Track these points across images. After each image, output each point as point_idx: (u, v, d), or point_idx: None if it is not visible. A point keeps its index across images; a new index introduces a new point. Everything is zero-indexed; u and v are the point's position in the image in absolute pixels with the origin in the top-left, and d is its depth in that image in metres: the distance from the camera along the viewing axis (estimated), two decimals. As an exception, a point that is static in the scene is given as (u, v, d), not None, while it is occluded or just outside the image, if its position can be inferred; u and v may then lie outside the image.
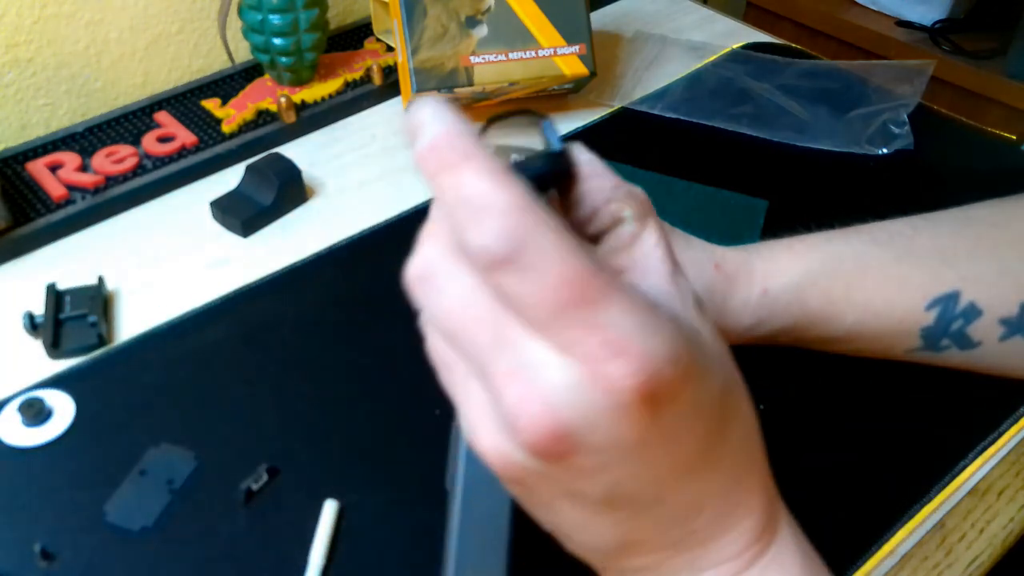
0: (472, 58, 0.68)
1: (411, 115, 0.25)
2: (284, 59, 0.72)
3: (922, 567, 0.47)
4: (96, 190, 0.65)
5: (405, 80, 0.68)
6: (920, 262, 0.47)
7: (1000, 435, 0.52)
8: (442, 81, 0.67)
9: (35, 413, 0.50)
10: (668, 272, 0.28)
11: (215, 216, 0.65)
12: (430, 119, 0.25)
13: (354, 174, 0.70)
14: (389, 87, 0.78)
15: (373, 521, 0.47)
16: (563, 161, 0.29)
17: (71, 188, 0.65)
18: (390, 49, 0.81)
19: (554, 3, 0.69)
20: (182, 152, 0.69)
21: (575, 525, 0.29)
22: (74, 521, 0.46)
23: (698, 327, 0.27)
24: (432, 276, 0.26)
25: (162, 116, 0.72)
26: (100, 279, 0.59)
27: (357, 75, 0.78)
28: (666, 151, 0.72)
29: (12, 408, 0.51)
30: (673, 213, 0.66)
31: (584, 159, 0.29)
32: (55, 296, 0.57)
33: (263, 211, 0.65)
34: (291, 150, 0.71)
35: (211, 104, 0.74)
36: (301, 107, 0.74)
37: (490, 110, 0.74)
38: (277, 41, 0.71)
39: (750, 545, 0.30)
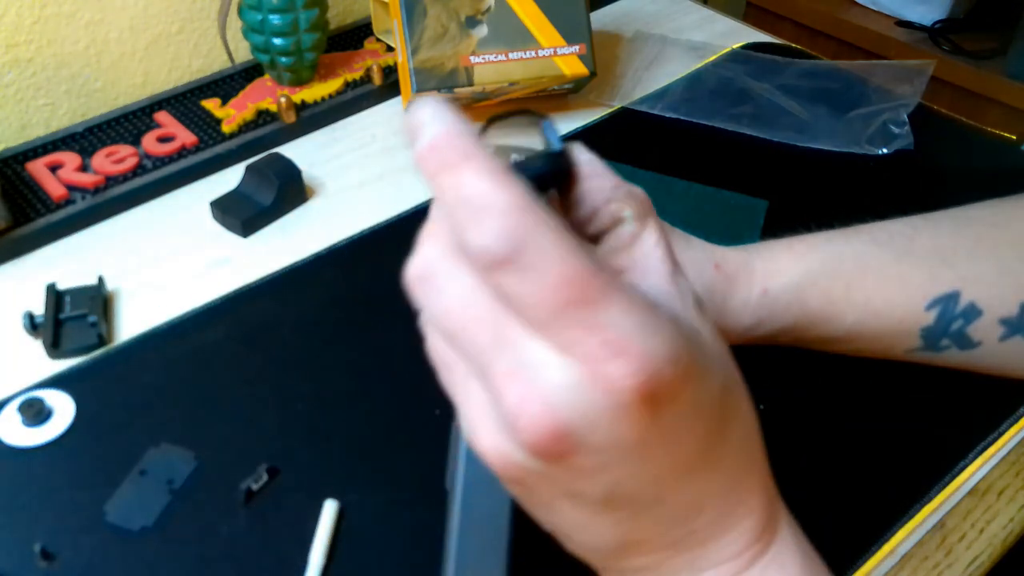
0: (472, 58, 0.68)
1: (411, 115, 0.25)
2: (284, 59, 0.72)
3: (922, 567, 0.47)
4: (96, 190, 0.65)
5: (405, 80, 0.68)
6: (920, 262, 0.47)
7: (1000, 435, 0.52)
8: (442, 81, 0.67)
9: (35, 413, 0.50)
10: (668, 272, 0.28)
11: (215, 216, 0.65)
12: (430, 119, 0.25)
13: (354, 174, 0.70)
14: (389, 87, 0.78)
15: (373, 521, 0.47)
16: (563, 161, 0.29)
17: (71, 188, 0.65)
18: (390, 49, 0.81)
19: (554, 3, 0.69)
20: (182, 152, 0.69)
21: (575, 525, 0.29)
22: (74, 521, 0.46)
23: (698, 327, 0.27)
24: (432, 276, 0.26)
25: (162, 116, 0.72)
26: (100, 279, 0.59)
27: (357, 75, 0.78)
28: (666, 151, 0.73)
29: (12, 408, 0.51)
30: (673, 213, 0.66)
31: (584, 159, 0.29)
32: (55, 296, 0.57)
33: (263, 211, 0.65)
34: (291, 150, 0.71)
35: (211, 104, 0.74)
36: (301, 107, 0.74)
37: (490, 110, 0.74)
38: (277, 41, 0.71)
39: (750, 545, 0.30)
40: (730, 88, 0.78)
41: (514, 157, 0.28)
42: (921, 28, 1.35)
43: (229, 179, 0.68)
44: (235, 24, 0.75)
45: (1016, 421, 0.52)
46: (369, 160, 0.72)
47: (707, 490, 0.28)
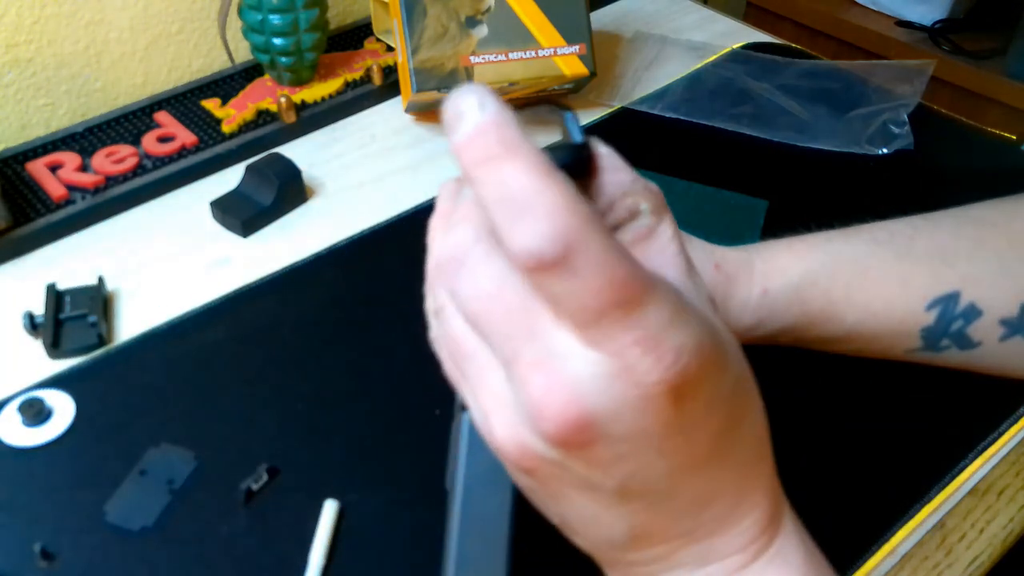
0: (472, 58, 0.68)
1: (453, 102, 0.24)
2: (284, 59, 0.72)
3: (922, 567, 0.47)
4: (96, 190, 0.65)
5: (405, 80, 0.68)
6: (920, 262, 0.47)
7: (1000, 435, 0.52)
8: (442, 81, 0.67)
9: (35, 413, 0.50)
10: (684, 266, 0.29)
11: (215, 216, 0.65)
12: (474, 106, 0.23)
13: (354, 174, 0.70)
14: (389, 87, 0.78)
15: (373, 521, 0.47)
16: (585, 153, 0.29)
17: (71, 188, 0.65)
18: (390, 49, 0.81)
19: (554, 3, 0.69)
20: (182, 152, 0.69)
21: (586, 517, 0.29)
22: (74, 521, 0.46)
23: (714, 320, 0.27)
24: (464, 259, 0.25)
25: (162, 116, 0.72)
26: (100, 279, 0.59)
27: (357, 75, 0.78)
28: (666, 151, 0.73)
29: (12, 408, 0.51)
30: (673, 213, 0.65)
31: (603, 152, 0.29)
32: (55, 296, 0.57)
33: (263, 211, 0.65)
34: (291, 150, 0.71)
35: (211, 104, 0.74)
36: (301, 107, 0.74)
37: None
38: (277, 41, 0.71)
39: (756, 538, 0.30)
40: (730, 88, 0.78)
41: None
42: (921, 28, 1.35)
43: (229, 179, 0.68)
44: (235, 24, 0.75)
45: (1016, 421, 0.52)
46: (369, 160, 0.72)
47: (718, 482, 0.28)
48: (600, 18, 0.89)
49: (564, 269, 0.22)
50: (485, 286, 0.25)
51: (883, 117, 0.74)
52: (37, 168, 0.66)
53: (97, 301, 0.57)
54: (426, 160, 0.72)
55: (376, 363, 0.55)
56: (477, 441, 0.29)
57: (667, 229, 0.29)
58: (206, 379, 0.54)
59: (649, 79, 0.80)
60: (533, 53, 0.69)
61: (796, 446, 0.49)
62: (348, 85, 0.77)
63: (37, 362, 0.54)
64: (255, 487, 0.47)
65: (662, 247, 0.28)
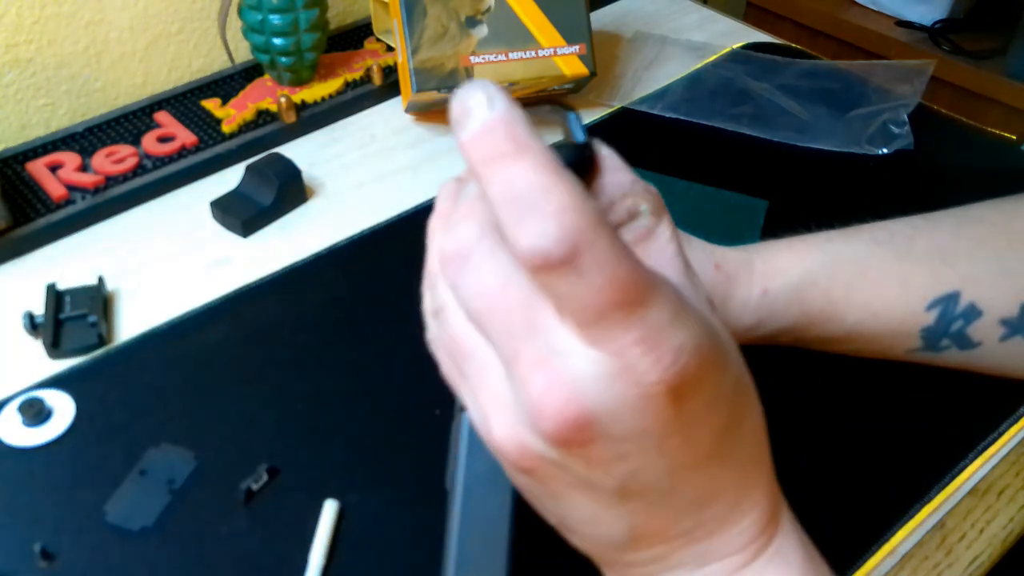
0: (472, 58, 0.68)
1: (461, 97, 0.24)
2: (284, 59, 0.72)
3: (922, 567, 0.47)
4: (96, 190, 0.65)
5: (405, 80, 0.68)
6: (920, 262, 0.47)
7: (1000, 435, 0.52)
8: (442, 81, 0.67)
9: (35, 413, 0.50)
10: (682, 267, 0.29)
11: (215, 216, 0.65)
12: (484, 103, 0.23)
13: (354, 174, 0.70)
14: (389, 87, 0.78)
15: (373, 521, 0.47)
16: (588, 153, 0.29)
17: (71, 188, 0.65)
18: (390, 49, 0.81)
19: (554, 3, 0.69)
20: (182, 152, 0.69)
21: (585, 517, 0.29)
22: (74, 521, 0.46)
23: (713, 320, 0.28)
24: (469, 255, 0.25)
25: (162, 116, 0.72)
26: (100, 279, 0.59)
27: (357, 75, 0.78)
28: (666, 151, 0.73)
29: (12, 408, 0.51)
30: (673, 213, 0.65)
31: (604, 153, 0.29)
32: (55, 296, 0.57)
33: (263, 211, 0.65)
34: (291, 150, 0.71)
35: (211, 104, 0.74)
36: (301, 107, 0.74)
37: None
38: (277, 41, 0.71)
39: (756, 538, 0.30)
40: (730, 88, 0.78)
41: None
42: (921, 28, 1.35)
43: (229, 179, 0.68)
44: (235, 24, 0.75)
45: (1016, 421, 0.52)
46: (369, 160, 0.72)
47: (717, 482, 0.28)
48: (600, 18, 0.89)
49: (570, 269, 0.22)
50: (489, 282, 0.25)
51: (883, 117, 0.74)
52: (37, 168, 0.66)
53: (97, 301, 0.57)
54: (426, 160, 0.72)
55: (376, 363, 0.55)
56: (477, 441, 0.29)
57: (666, 230, 0.29)
58: (206, 379, 0.54)
59: (649, 79, 0.80)
60: (533, 53, 0.69)
61: (796, 446, 0.49)
62: (348, 85, 0.77)
63: (37, 362, 0.54)
64: (255, 487, 0.47)
65: (661, 248, 0.29)
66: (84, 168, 0.67)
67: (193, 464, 0.49)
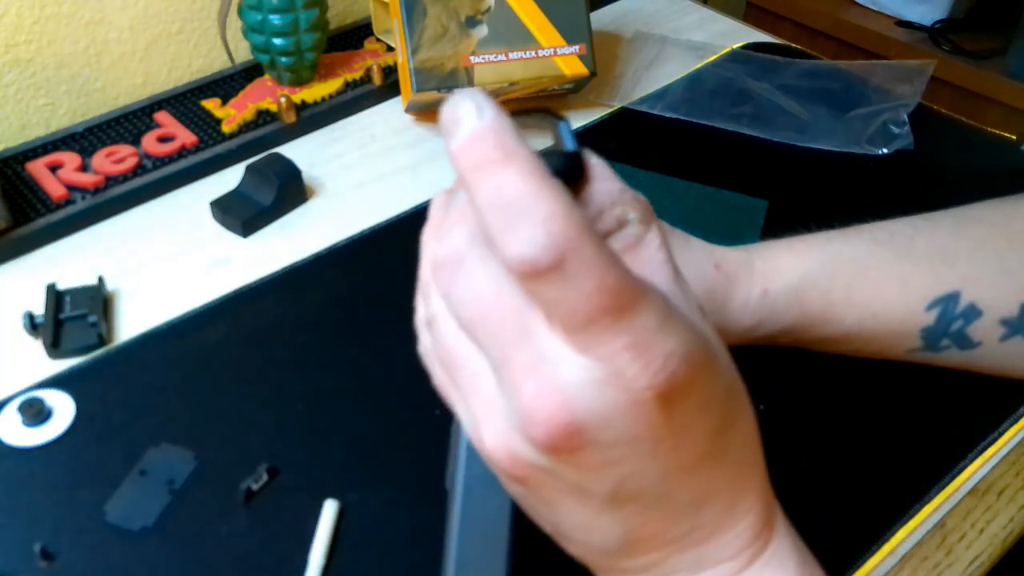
0: (472, 58, 0.68)
1: (451, 106, 0.24)
2: (284, 59, 0.72)
3: (922, 567, 0.47)
4: (96, 190, 0.65)
5: (405, 80, 0.68)
6: (920, 262, 0.47)
7: (1000, 435, 0.52)
8: (442, 81, 0.67)
9: (35, 413, 0.50)
10: (672, 274, 0.29)
11: (215, 216, 0.65)
12: (473, 112, 0.24)
13: (354, 174, 0.70)
14: (389, 87, 0.78)
15: (373, 521, 0.47)
16: (578, 161, 0.29)
17: (71, 188, 0.65)
18: (390, 49, 0.81)
19: (554, 3, 0.69)
20: (182, 152, 0.69)
21: (578, 524, 0.29)
22: (74, 521, 0.46)
23: (703, 327, 0.28)
24: (460, 263, 0.26)
25: (162, 116, 0.72)
26: (100, 279, 0.59)
27: (357, 75, 0.78)
28: (666, 151, 0.72)
29: (12, 408, 0.51)
30: (673, 213, 0.66)
31: (593, 162, 0.29)
32: (55, 296, 0.57)
33: (263, 211, 0.65)
34: (291, 150, 0.71)
35: (211, 104, 0.74)
36: (301, 107, 0.74)
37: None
38: (277, 41, 0.71)
39: (751, 543, 0.30)
40: (730, 88, 0.78)
41: None
42: (921, 28, 1.35)
43: (229, 179, 0.68)
44: (235, 24, 0.75)
45: (1016, 421, 0.52)
46: (369, 160, 0.72)
47: (711, 486, 0.28)
48: (600, 18, 0.89)
49: (557, 276, 0.23)
50: (480, 289, 0.25)
51: (883, 117, 0.74)
52: (37, 168, 0.66)
53: (97, 301, 0.57)
54: (426, 160, 0.72)
55: (376, 363, 0.55)
56: (477, 441, 0.29)
57: (655, 238, 0.29)
58: (206, 379, 0.54)
59: (649, 79, 0.80)
60: (533, 53, 0.69)
61: (796, 446, 0.49)
62: (348, 85, 0.77)
63: (37, 362, 0.54)
64: (255, 487, 0.47)
65: (650, 255, 0.29)
66: (84, 168, 0.67)
67: (193, 464, 0.49)
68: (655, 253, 0.29)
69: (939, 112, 0.78)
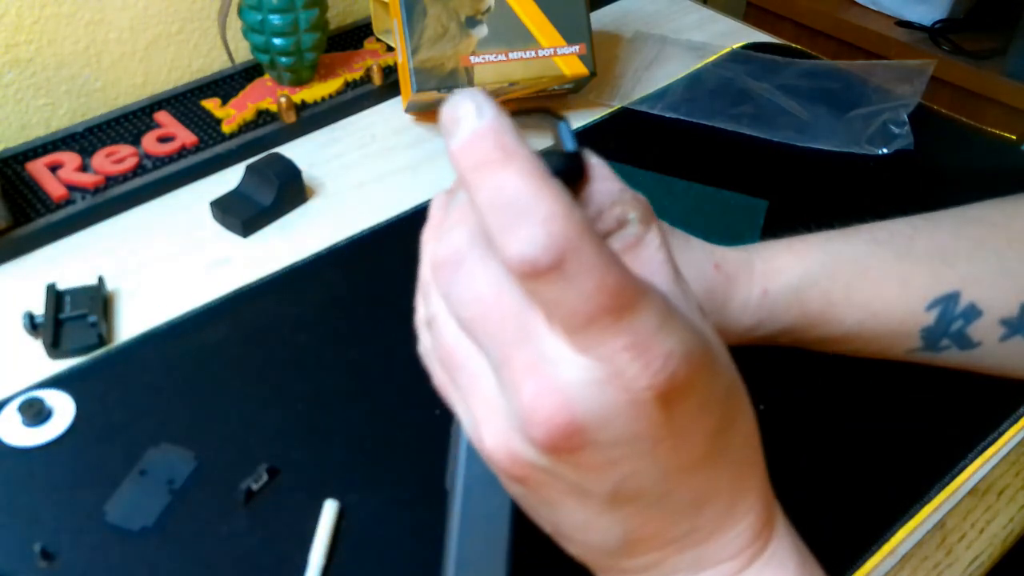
0: (472, 58, 0.68)
1: (451, 106, 0.24)
2: (284, 59, 0.72)
3: (922, 567, 0.47)
4: (96, 190, 0.65)
5: (405, 80, 0.68)
6: (920, 262, 0.47)
7: (1000, 435, 0.52)
8: (442, 81, 0.67)
9: (35, 413, 0.50)
10: (671, 274, 0.29)
11: (215, 216, 0.65)
12: (472, 112, 0.24)
13: (354, 174, 0.70)
14: (389, 87, 0.78)
15: (373, 521, 0.47)
16: (578, 161, 0.29)
17: (71, 188, 0.65)
18: (390, 49, 0.81)
19: (554, 3, 0.69)
20: (182, 152, 0.69)
21: (578, 524, 0.29)
22: (74, 521, 0.46)
23: (702, 327, 0.28)
24: (461, 262, 0.26)
25: (162, 116, 0.72)
26: (100, 279, 0.59)
27: (357, 75, 0.78)
28: (666, 151, 0.72)
29: (12, 408, 0.51)
30: (673, 213, 0.66)
31: (593, 162, 0.29)
32: (55, 296, 0.57)
33: (263, 211, 0.65)
34: (291, 150, 0.71)
35: (211, 104, 0.74)
36: (301, 107, 0.74)
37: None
38: (277, 41, 0.71)
39: (751, 543, 0.30)
40: (730, 88, 0.78)
41: None
42: (921, 28, 1.35)
43: (229, 179, 0.68)
44: (235, 24, 0.75)
45: (1016, 421, 0.52)
46: (369, 160, 0.72)
47: (711, 486, 0.28)
48: (600, 18, 0.89)
49: (557, 275, 0.23)
50: (480, 289, 0.25)
51: (883, 117, 0.74)
52: (37, 168, 0.66)
53: (97, 301, 0.57)
54: (426, 160, 0.72)
55: (376, 363, 0.55)
56: (477, 441, 0.29)
57: (654, 238, 0.29)
58: (206, 379, 0.54)
59: (649, 79, 0.80)
60: (533, 53, 0.69)
61: (796, 446, 0.49)
62: (348, 85, 0.77)
63: (37, 362, 0.54)
64: (255, 487, 0.47)
65: (650, 255, 0.29)
66: (84, 168, 0.67)
67: (193, 464, 0.49)
68: (655, 253, 0.29)
69: (939, 112, 0.78)
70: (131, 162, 0.67)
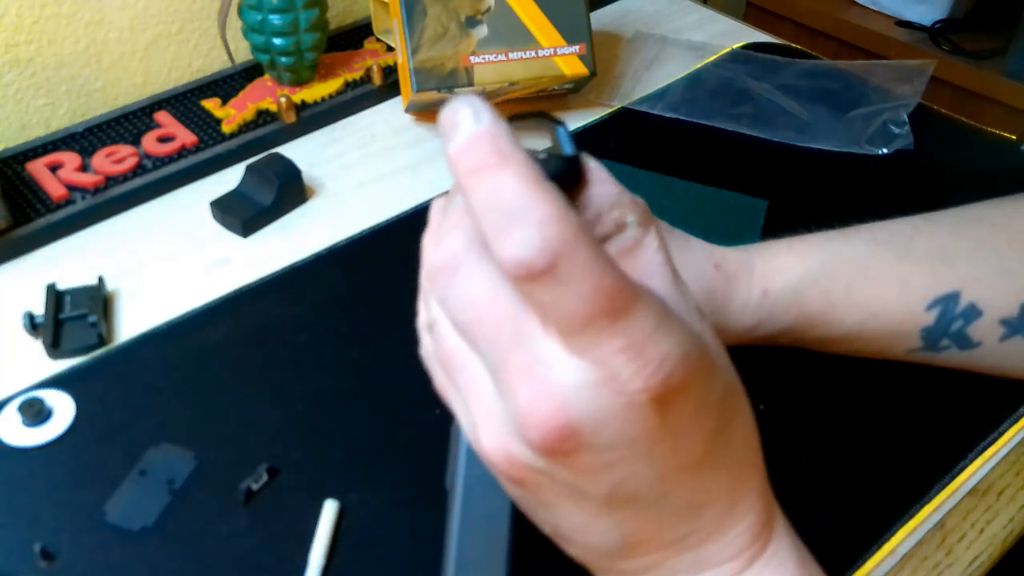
0: (472, 58, 0.68)
1: (449, 111, 0.24)
2: (284, 59, 0.72)
3: (922, 567, 0.47)
4: (96, 190, 0.65)
5: (405, 80, 0.68)
6: (920, 262, 0.47)
7: (1000, 435, 0.52)
8: (442, 81, 0.67)
9: (35, 413, 0.50)
10: (670, 276, 0.29)
11: (215, 216, 0.65)
12: (470, 117, 0.24)
13: (354, 174, 0.70)
14: (389, 87, 0.78)
15: (373, 521, 0.47)
16: (577, 165, 0.29)
17: (71, 188, 0.65)
18: (390, 49, 0.81)
19: (554, 3, 0.69)
20: (182, 152, 0.69)
21: (577, 526, 0.29)
22: (74, 521, 0.46)
23: (700, 329, 0.28)
24: (457, 267, 0.26)
25: (162, 116, 0.72)
26: (100, 279, 0.59)
27: (357, 75, 0.78)
28: (666, 151, 0.72)
29: (12, 408, 0.51)
30: (673, 213, 0.66)
31: (592, 165, 0.30)
32: (55, 296, 0.57)
33: (263, 211, 0.65)
34: (291, 150, 0.71)
35: (211, 104, 0.74)
36: (301, 107, 0.74)
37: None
38: (277, 41, 0.71)
39: (750, 544, 0.30)
40: (730, 88, 0.78)
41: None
42: (921, 28, 1.35)
43: (229, 179, 0.68)
44: (235, 24, 0.75)
45: (1016, 421, 0.52)
46: (369, 160, 0.72)
47: (709, 488, 0.28)
48: (600, 18, 0.89)
49: (552, 278, 0.23)
50: (476, 293, 0.25)
51: (883, 117, 0.74)
52: (37, 168, 0.66)
53: (97, 301, 0.57)
54: (426, 160, 0.72)
55: (376, 363, 0.55)
56: (477, 441, 0.29)
57: (653, 241, 0.29)
58: (206, 379, 0.54)
59: (649, 79, 0.80)
60: (533, 53, 0.69)
61: (796, 446, 0.49)
62: (348, 85, 0.77)
63: (37, 362, 0.54)
64: (255, 487, 0.47)
65: (648, 259, 0.29)
66: (84, 168, 0.67)
67: (193, 464, 0.49)
68: (653, 256, 0.29)
69: (939, 112, 0.78)
70: (131, 162, 0.67)
